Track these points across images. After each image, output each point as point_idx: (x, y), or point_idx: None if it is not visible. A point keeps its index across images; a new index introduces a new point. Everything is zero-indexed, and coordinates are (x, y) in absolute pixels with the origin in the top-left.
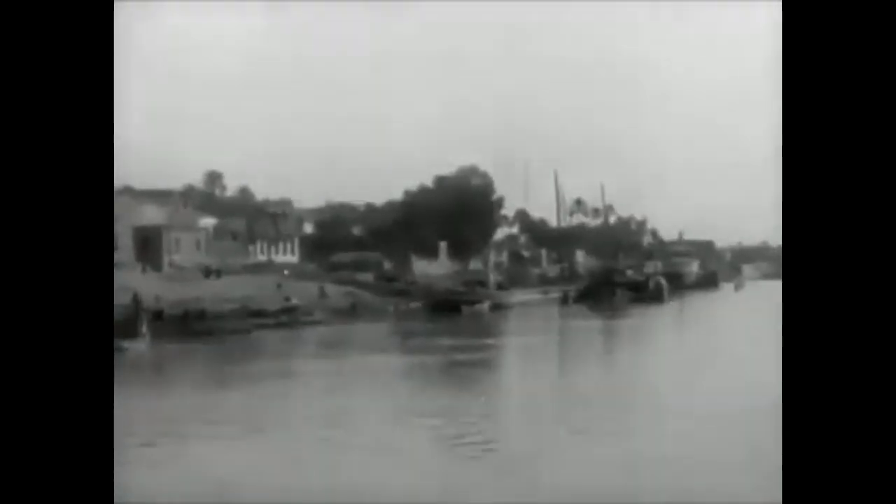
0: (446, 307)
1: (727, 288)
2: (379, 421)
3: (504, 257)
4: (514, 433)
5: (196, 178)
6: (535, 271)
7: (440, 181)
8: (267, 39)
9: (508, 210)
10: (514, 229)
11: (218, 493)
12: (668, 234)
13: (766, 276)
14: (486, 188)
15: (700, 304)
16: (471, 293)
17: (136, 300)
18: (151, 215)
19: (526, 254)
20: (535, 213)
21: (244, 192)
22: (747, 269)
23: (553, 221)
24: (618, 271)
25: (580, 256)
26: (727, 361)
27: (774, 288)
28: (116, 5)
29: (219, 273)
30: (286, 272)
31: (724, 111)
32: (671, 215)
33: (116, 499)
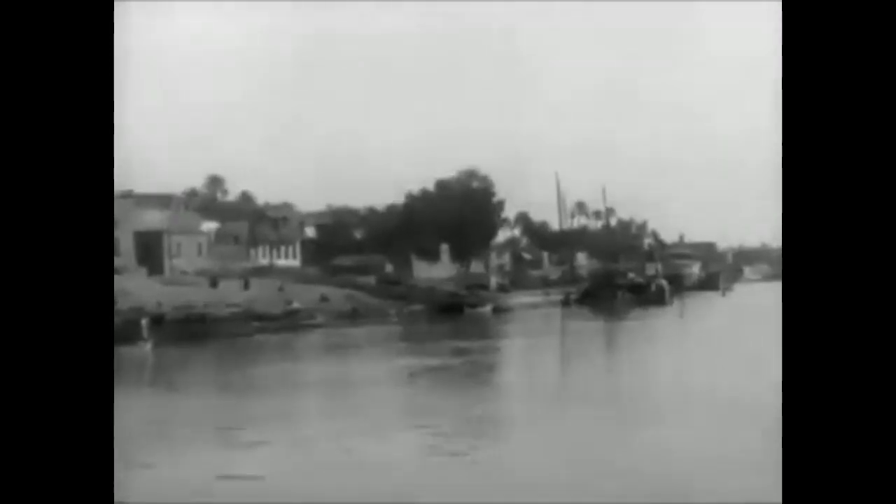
0: (448, 310)
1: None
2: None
3: (506, 260)
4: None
5: (198, 182)
6: (537, 273)
7: (441, 184)
8: (269, 42)
9: (509, 212)
10: (516, 232)
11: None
12: (669, 236)
13: (766, 278)
14: (486, 191)
15: (701, 306)
16: (472, 296)
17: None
18: (153, 219)
19: (527, 256)
20: (537, 215)
21: (245, 196)
22: (747, 271)
23: (554, 224)
24: (619, 273)
25: (582, 259)
26: (724, 363)
27: (764, 290)
28: (116, 5)
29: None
30: (280, 288)
31: (724, 111)
32: (672, 217)
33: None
